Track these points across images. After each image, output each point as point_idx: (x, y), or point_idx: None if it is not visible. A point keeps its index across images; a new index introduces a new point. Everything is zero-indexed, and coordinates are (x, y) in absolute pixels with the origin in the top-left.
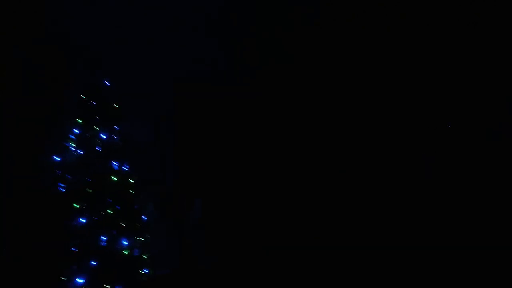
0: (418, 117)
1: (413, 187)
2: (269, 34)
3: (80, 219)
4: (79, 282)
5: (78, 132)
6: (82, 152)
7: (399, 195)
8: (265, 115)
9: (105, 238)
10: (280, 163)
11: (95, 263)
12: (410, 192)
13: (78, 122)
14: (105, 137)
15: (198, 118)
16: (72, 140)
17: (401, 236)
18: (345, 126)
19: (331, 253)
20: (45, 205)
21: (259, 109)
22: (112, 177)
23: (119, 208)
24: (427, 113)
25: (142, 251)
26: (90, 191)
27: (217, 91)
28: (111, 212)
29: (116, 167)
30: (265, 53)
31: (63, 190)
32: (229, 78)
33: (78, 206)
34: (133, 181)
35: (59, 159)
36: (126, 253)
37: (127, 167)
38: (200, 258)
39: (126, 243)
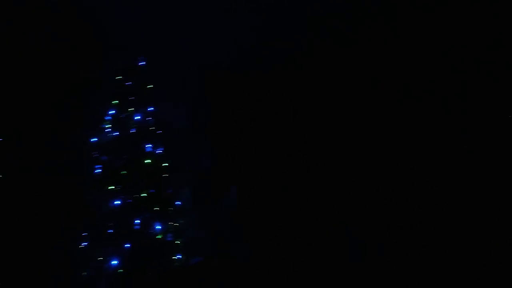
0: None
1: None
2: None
3: (115, 201)
4: (114, 264)
5: (113, 112)
6: (117, 134)
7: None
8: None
9: (138, 221)
10: (319, 150)
11: (129, 245)
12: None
13: (114, 103)
14: (139, 118)
15: (235, 103)
16: (107, 121)
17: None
18: (384, 112)
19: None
20: (82, 186)
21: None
22: (145, 160)
23: (152, 192)
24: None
25: (175, 236)
26: (125, 173)
27: (253, 75)
28: (145, 195)
29: (149, 150)
30: (302, 38)
31: (99, 171)
32: (265, 62)
33: (113, 187)
34: (166, 165)
35: (95, 139)
36: (159, 237)
37: (161, 150)
38: (233, 247)
39: (160, 227)
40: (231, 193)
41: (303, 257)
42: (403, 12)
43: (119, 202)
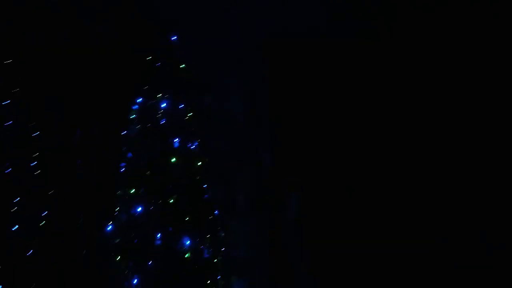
0: None
1: None
2: None
3: (137, 208)
4: (133, 282)
5: (141, 100)
6: (142, 126)
7: None
8: (389, 87)
9: (159, 235)
10: (402, 148)
11: (150, 263)
12: None
13: (143, 88)
14: (167, 106)
15: (300, 88)
16: (134, 110)
17: None
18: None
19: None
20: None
21: (381, 79)
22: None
23: (182, 197)
24: None
25: (214, 254)
26: (148, 173)
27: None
28: (172, 201)
29: (179, 145)
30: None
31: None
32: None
33: (134, 191)
34: (201, 164)
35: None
36: (186, 256)
37: (195, 145)
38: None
39: (188, 242)
40: (292, 202)
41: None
42: None
43: (140, 209)
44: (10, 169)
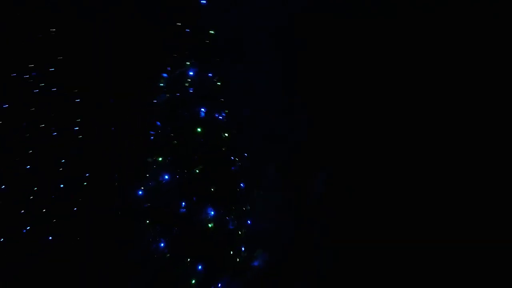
0: None
1: None
2: None
3: (164, 176)
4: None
5: (169, 68)
6: (171, 94)
7: None
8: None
9: (183, 204)
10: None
11: (175, 230)
12: None
13: (172, 56)
14: (195, 75)
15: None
16: (163, 78)
17: None
18: None
19: None
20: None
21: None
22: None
23: (207, 168)
24: None
25: (238, 226)
26: (176, 142)
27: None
28: (197, 171)
29: (205, 115)
30: None
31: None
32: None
33: (160, 159)
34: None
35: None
36: (210, 226)
37: (223, 116)
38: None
39: (212, 213)
40: (320, 178)
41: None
42: None
43: (167, 177)
44: (56, 133)
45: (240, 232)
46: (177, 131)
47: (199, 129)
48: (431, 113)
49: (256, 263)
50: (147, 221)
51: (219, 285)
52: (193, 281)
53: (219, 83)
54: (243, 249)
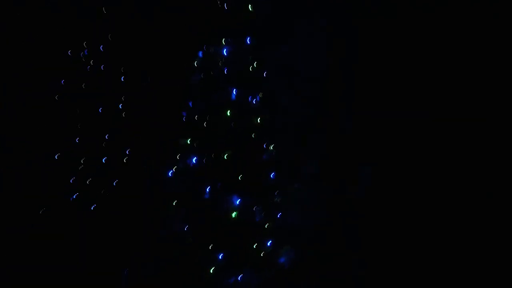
0: None
1: None
2: None
3: (192, 159)
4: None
5: (205, 47)
6: (204, 74)
7: None
8: None
9: (208, 189)
10: None
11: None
12: None
13: (208, 33)
14: (231, 54)
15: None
16: (198, 58)
17: None
18: None
19: None
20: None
21: None
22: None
23: (236, 154)
24: None
25: (265, 218)
26: (205, 125)
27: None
28: (225, 158)
29: (236, 98)
30: None
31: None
32: None
33: (187, 142)
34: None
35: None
36: (233, 215)
37: (257, 99)
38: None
39: (238, 201)
40: (364, 174)
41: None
42: None
43: (194, 161)
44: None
45: (266, 225)
46: (207, 112)
47: (228, 112)
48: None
49: (282, 260)
50: (174, 203)
51: (239, 277)
52: (212, 270)
53: (256, 64)
54: (268, 243)
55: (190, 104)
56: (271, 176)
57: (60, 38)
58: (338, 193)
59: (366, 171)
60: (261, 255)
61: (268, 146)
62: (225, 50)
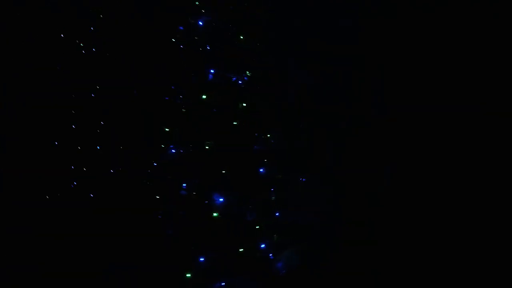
0: None
1: None
2: None
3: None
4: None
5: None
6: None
7: None
8: None
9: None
10: None
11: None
12: None
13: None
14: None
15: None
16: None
17: None
18: None
19: None
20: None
21: None
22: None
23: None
24: None
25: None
26: (184, 110)
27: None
28: (207, 147)
29: (213, 77)
30: None
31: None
32: None
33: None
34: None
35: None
36: (215, 215)
37: (244, 80)
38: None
39: (221, 200)
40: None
41: None
42: None
43: (173, 151)
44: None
45: (258, 226)
46: (185, 96)
47: (204, 96)
48: None
49: (279, 264)
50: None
51: (223, 283)
52: (188, 275)
53: (242, 38)
54: (262, 246)
55: (173, 87)
56: (261, 170)
57: (60, 38)
58: (351, 190)
59: (386, 171)
60: (254, 258)
61: (261, 135)
62: (200, 20)
